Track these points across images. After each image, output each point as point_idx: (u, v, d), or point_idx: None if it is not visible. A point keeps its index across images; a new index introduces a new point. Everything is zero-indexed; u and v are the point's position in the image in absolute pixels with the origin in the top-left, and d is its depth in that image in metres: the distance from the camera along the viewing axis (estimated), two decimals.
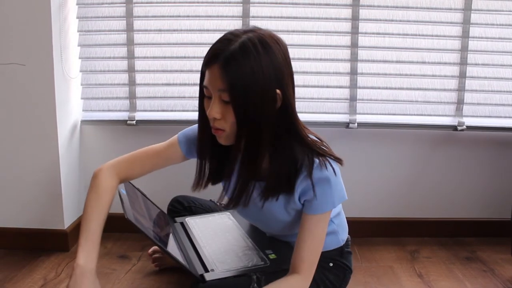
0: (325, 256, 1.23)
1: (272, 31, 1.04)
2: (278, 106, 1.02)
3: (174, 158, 1.28)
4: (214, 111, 1.00)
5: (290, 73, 1.05)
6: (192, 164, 1.98)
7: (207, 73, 1.00)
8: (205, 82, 1.01)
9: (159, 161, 1.28)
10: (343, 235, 1.34)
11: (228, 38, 0.99)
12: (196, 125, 1.18)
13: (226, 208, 1.17)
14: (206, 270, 1.23)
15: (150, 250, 1.66)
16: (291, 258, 1.14)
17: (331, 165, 1.10)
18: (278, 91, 1.00)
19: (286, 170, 1.08)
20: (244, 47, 0.96)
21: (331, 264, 1.29)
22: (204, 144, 1.14)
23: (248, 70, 0.95)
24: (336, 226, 1.31)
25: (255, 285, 1.15)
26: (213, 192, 1.50)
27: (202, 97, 1.06)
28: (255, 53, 0.96)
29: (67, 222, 1.85)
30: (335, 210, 1.26)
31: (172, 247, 1.30)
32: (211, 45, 1.01)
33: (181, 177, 2.00)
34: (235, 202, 1.12)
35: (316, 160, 1.08)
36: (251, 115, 0.98)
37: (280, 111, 1.03)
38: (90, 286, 1.07)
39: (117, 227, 1.99)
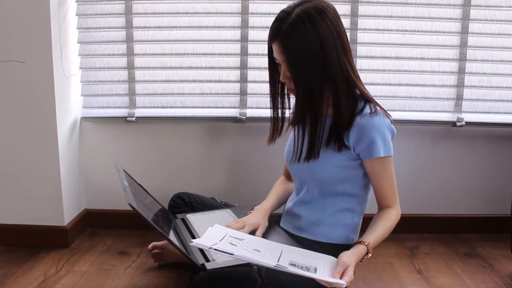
0: (331, 249, 1.24)
1: (319, 1, 1.19)
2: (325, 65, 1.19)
3: None
4: (282, 77, 1.24)
5: (337, 36, 1.19)
6: (190, 163, 1.99)
7: (273, 48, 1.23)
8: (274, 55, 1.24)
9: None
10: (354, 235, 1.36)
11: (281, 18, 1.19)
12: None
13: (302, 160, 1.29)
14: (207, 260, 1.24)
15: (150, 246, 1.66)
16: (377, 200, 1.30)
17: (389, 117, 1.26)
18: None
19: (348, 112, 1.23)
20: (294, 26, 1.16)
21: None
22: (276, 97, 1.35)
23: (298, 44, 1.16)
24: (353, 222, 1.34)
25: (256, 274, 1.17)
26: (213, 191, 1.51)
27: (271, 62, 1.30)
28: (304, 28, 1.15)
29: (67, 218, 1.85)
30: (360, 200, 1.35)
31: (173, 240, 1.30)
32: (270, 24, 1.22)
33: (182, 174, 2.01)
34: (310, 149, 1.25)
35: (378, 108, 1.24)
36: (302, 75, 1.19)
37: (327, 68, 1.19)
38: (257, 216, 1.37)
39: (117, 224, 2.01)
